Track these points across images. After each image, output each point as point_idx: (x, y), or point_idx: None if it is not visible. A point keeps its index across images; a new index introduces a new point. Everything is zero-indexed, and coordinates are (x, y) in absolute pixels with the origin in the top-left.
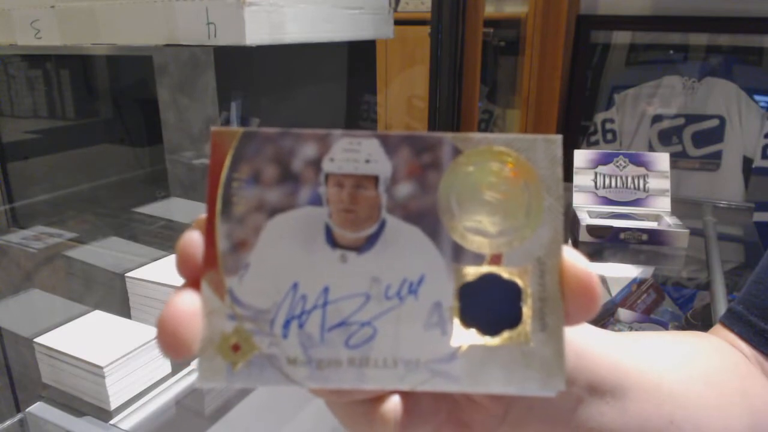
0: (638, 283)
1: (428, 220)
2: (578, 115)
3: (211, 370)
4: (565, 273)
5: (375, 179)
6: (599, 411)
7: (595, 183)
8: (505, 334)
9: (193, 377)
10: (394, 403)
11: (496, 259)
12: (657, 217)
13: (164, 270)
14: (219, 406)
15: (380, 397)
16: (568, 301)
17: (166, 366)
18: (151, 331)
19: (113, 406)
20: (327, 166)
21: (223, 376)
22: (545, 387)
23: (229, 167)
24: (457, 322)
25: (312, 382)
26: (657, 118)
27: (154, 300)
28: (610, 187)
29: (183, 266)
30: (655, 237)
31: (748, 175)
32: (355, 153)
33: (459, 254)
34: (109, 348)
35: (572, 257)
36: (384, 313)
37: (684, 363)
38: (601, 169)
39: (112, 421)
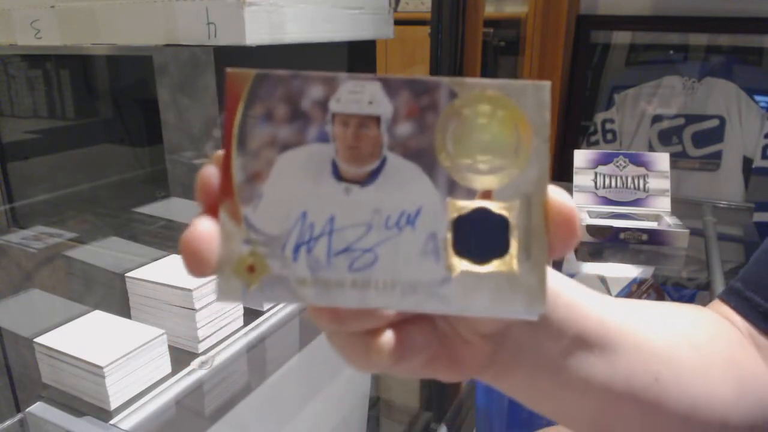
0: (638, 283)
1: (425, 157)
2: (578, 115)
3: (228, 288)
4: (549, 208)
5: (377, 119)
6: (586, 362)
7: (595, 183)
8: (494, 263)
9: (194, 377)
10: (387, 336)
11: (486, 195)
12: (657, 217)
13: (164, 270)
14: (219, 406)
15: (376, 331)
16: (552, 234)
17: (166, 366)
18: (152, 331)
19: (113, 406)
20: (333, 106)
21: (239, 294)
22: (528, 310)
23: (244, 106)
24: (450, 250)
25: (318, 300)
26: (657, 118)
27: (154, 300)
28: (610, 187)
29: (203, 195)
30: (655, 237)
31: (748, 175)
32: (359, 95)
33: (453, 189)
34: (109, 348)
35: (557, 194)
36: (384, 241)
37: (675, 328)
38: (601, 169)
39: (112, 421)
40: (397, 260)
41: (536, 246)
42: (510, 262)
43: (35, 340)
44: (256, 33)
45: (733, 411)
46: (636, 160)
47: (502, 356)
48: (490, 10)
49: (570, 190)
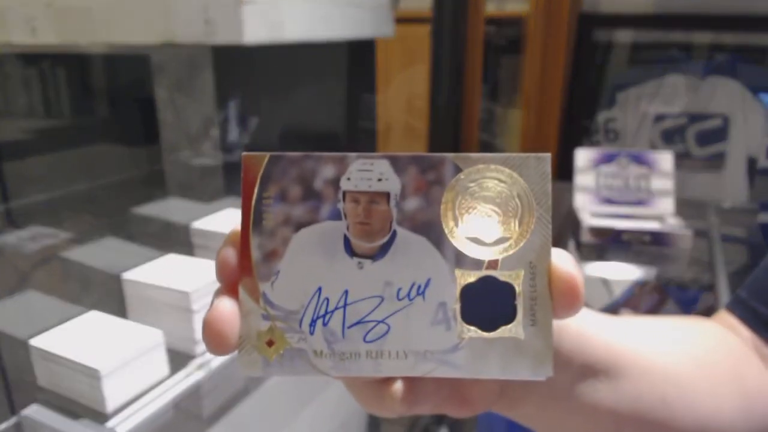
0: (641, 284)
1: (433, 230)
2: (580, 114)
3: (250, 362)
4: (553, 275)
5: (386, 195)
6: (594, 388)
7: (597, 182)
8: (501, 329)
9: (191, 380)
10: (398, 385)
11: (493, 264)
12: (660, 218)
13: (161, 271)
14: (217, 408)
15: (388, 380)
16: (556, 300)
17: (163, 368)
18: (148, 333)
19: (110, 409)
20: (344, 184)
21: (260, 367)
22: (536, 373)
23: (259, 187)
24: (459, 318)
25: (335, 371)
26: (660, 117)
27: (150, 301)
28: (613, 187)
29: (222, 274)
30: (658, 238)
31: (753, 175)
32: (368, 172)
33: (460, 260)
34: (106, 350)
35: (560, 261)
36: (396, 312)
37: (678, 345)
38: (604, 168)
39: (108, 424)
40: (408, 330)
41: (541, 312)
42: (516, 327)
43: (31, 342)
44: (255, 32)
45: (738, 426)
46: (638, 160)
47: (510, 391)
48: (491, 8)
49: (571, 190)
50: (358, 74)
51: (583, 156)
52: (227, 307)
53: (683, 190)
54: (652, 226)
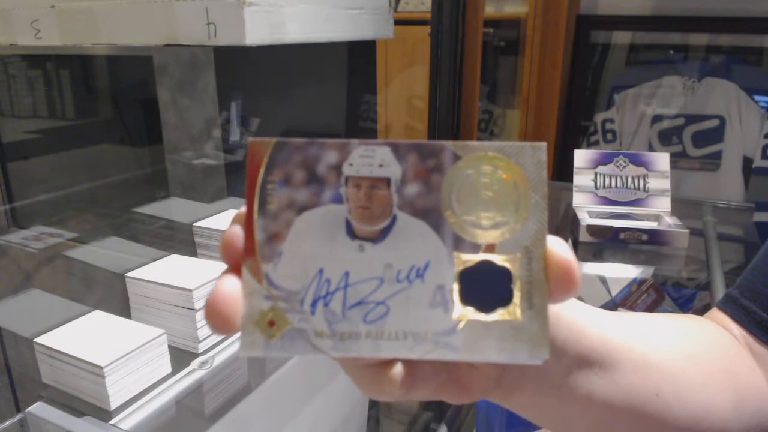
0: (638, 283)
1: (433, 215)
2: (578, 115)
3: (251, 342)
4: (548, 260)
5: (387, 181)
6: (588, 380)
7: (595, 183)
8: (498, 312)
9: (194, 377)
10: (398, 368)
11: (490, 248)
12: (657, 217)
13: (164, 270)
14: (219, 406)
15: (388, 363)
16: (552, 284)
17: (166, 366)
18: (152, 331)
19: (113, 406)
20: (347, 170)
21: (261, 347)
22: (532, 356)
23: (264, 171)
24: (457, 301)
25: (335, 351)
26: (657, 118)
27: (154, 300)
28: (610, 187)
29: (226, 254)
30: (655, 237)
31: (748, 175)
32: (370, 159)
33: (459, 244)
34: (109, 348)
35: (555, 246)
36: (395, 293)
37: (673, 341)
38: (601, 169)
39: (112, 421)
40: (407, 311)
41: (538, 295)
42: (513, 311)
43: (35, 340)
44: (256, 33)
45: (731, 422)
46: (636, 160)
47: (507, 379)
48: (490, 10)
49: (570, 190)
50: (359, 75)
51: (581, 157)
52: (230, 287)
53: (680, 190)
54: (650, 225)
